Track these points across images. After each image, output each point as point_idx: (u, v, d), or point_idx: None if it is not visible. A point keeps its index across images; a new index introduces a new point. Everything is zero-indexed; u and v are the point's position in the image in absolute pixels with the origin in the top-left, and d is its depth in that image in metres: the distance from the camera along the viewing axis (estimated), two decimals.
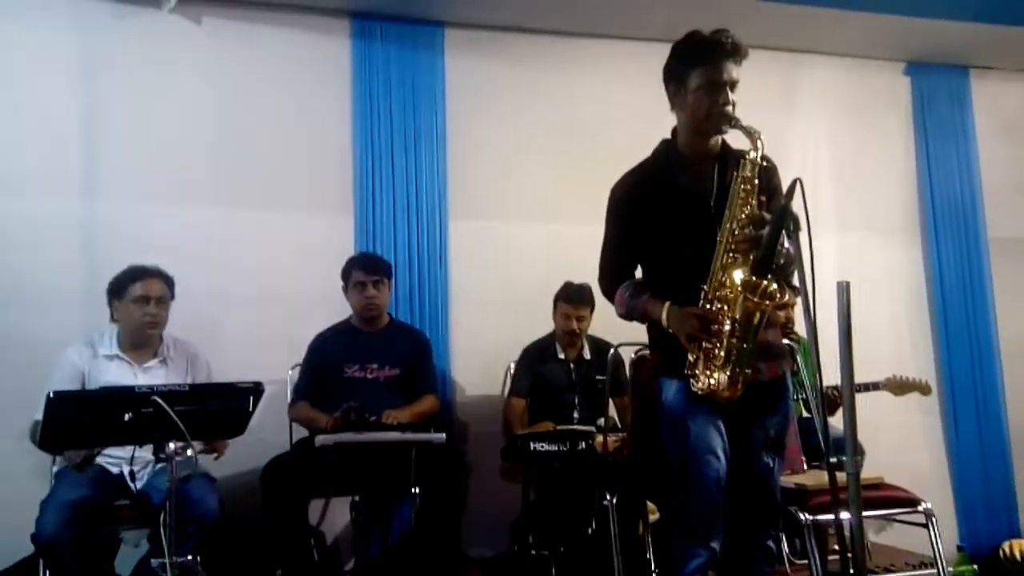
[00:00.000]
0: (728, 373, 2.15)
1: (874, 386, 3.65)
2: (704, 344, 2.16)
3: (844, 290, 1.83)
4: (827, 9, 4.19)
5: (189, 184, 3.77)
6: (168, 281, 3.14)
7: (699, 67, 2.23)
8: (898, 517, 3.13)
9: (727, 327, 2.14)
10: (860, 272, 4.29)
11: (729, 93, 2.23)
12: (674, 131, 2.37)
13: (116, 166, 3.68)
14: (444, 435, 2.99)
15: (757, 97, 4.18)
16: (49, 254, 3.52)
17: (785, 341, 3.43)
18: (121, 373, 3.02)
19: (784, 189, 2.10)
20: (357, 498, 3.11)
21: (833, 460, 1.87)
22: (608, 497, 3.09)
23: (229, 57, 3.88)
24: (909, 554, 3.60)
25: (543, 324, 3.85)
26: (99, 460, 2.91)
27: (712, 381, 2.16)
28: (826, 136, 4.67)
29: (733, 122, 2.21)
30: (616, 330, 2.86)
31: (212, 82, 3.85)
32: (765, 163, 2.22)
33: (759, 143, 2.18)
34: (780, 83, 4.59)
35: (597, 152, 4.03)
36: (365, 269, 3.51)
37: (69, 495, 2.70)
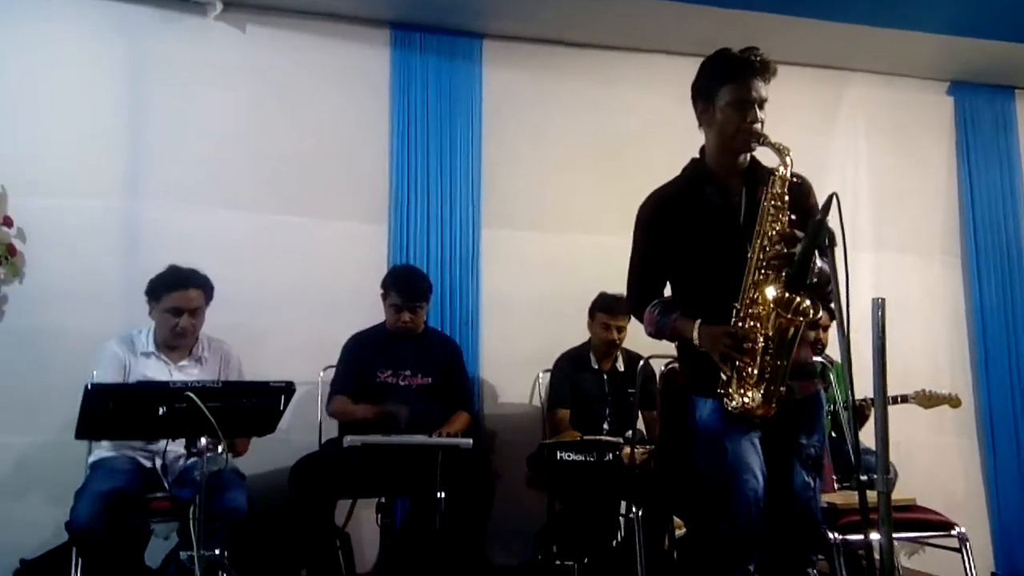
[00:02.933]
0: (762, 391, 2.11)
1: (903, 399, 3.60)
2: (737, 362, 2.14)
3: (880, 306, 1.81)
4: (870, 27, 4.16)
5: (229, 188, 3.85)
6: (206, 288, 3.14)
7: (728, 84, 2.22)
8: (930, 541, 3.07)
9: (760, 344, 2.11)
10: (897, 293, 4.28)
11: (758, 111, 2.21)
12: (702, 149, 2.37)
13: (159, 169, 3.77)
14: (471, 440, 2.99)
15: (797, 115, 4.27)
16: (93, 252, 3.62)
17: (818, 359, 3.43)
18: (158, 370, 3.08)
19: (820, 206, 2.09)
20: (383, 500, 3.13)
21: (863, 478, 1.84)
22: (634, 510, 3.07)
23: (272, 64, 3.95)
24: None
25: (574, 334, 3.85)
26: (132, 453, 2.97)
27: (747, 399, 2.12)
28: (866, 155, 4.63)
29: (762, 139, 2.20)
30: (649, 343, 2.84)
31: (254, 88, 3.93)
32: (797, 180, 2.21)
33: (788, 160, 2.16)
34: (820, 101, 4.58)
35: (632, 164, 4.04)
36: (403, 295, 3.46)
37: (103, 486, 2.76)
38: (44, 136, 3.62)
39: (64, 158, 3.63)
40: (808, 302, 2.08)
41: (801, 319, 2.07)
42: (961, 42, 4.31)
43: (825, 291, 2.17)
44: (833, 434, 3.59)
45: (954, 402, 3.66)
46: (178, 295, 3.06)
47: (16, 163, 3.54)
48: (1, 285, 3.51)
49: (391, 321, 3.51)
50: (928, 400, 3.63)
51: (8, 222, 3.51)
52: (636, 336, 3.67)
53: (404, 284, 3.50)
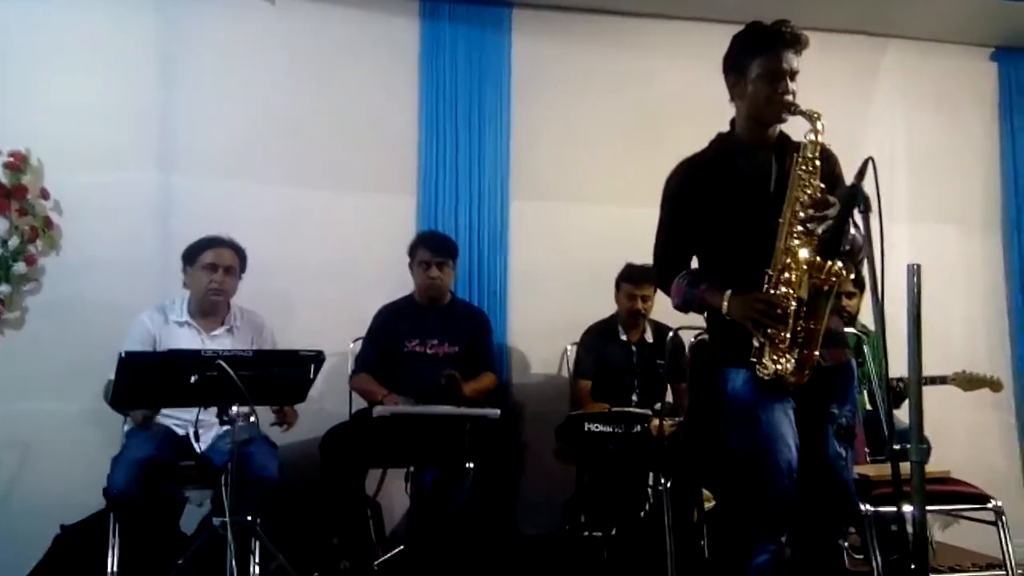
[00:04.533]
0: (796, 356, 2.10)
1: (941, 380, 3.51)
2: (770, 329, 2.12)
3: (915, 272, 1.77)
4: None
5: (260, 160, 3.87)
6: (240, 253, 3.23)
7: (759, 56, 2.22)
8: (965, 514, 3.02)
9: (792, 307, 2.10)
10: (936, 264, 4.17)
11: (789, 82, 2.21)
12: (732, 122, 2.36)
13: (192, 142, 3.80)
14: (498, 411, 3.00)
15: (834, 82, 4.17)
16: (126, 225, 3.67)
17: (851, 330, 3.38)
18: (190, 339, 3.12)
19: (847, 178, 2.07)
20: (412, 469, 3.16)
21: (896, 448, 1.81)
22: (663, 481, 3.06)
23: (301, 37, 3.95)
24: (976, 554, 3.47)
25: (602, 306, 3.83)
26: (165, 421, 3.02)
27: (779, 366, 2.11)
28: (904, 123, 4.52)
29: (793, 108, 2.20)
30: (677, 313, 2.82)
31: (284, 62, 3.94)
32: (826, 146, 2.19)
33: (820, 125, 2.14)
34: (858, 68, 4.48)
35: (663, 134, 3.99)
36: (431, 249, 3.53)
37: (138, 453, 2.81)
38: (79, 110, 3.66)
39: (99, 132, 3.67)
40: (840, 263, 2.05)
41: (834, 279, 2.05)
42: (1005, 6, 4.17)
43: (857, 258, 2.15)
44: (869, 407, 3.54)
45: (996, 385, 3.56)
46: (213, 252, 3.15)
47: (52, 137, 3.60)
48: (39, 257, 3.58)
49: (421, 280, 3.53)
50: (968, 382, 3.53)
51: (45, 195, 3.58)
52: (664, 307, 3.64)
53: (431, 239, 3.60)
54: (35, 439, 3.52)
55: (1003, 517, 2.85)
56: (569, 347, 3.92)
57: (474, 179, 4.04)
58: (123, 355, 2.37)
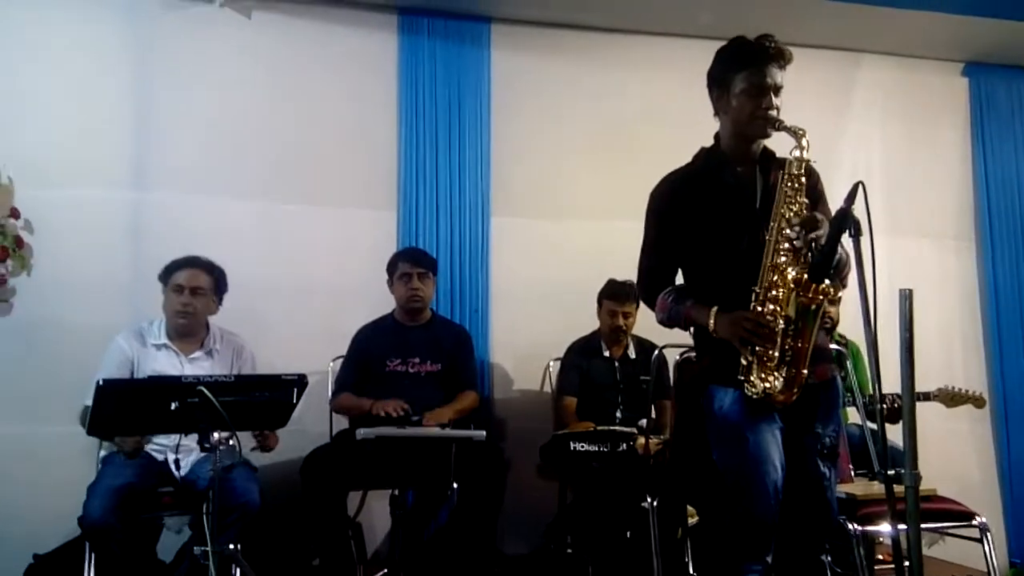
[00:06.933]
0: (784, 375, 2.09)
1: (924, 396, 3.54)
2: (758, 347, 2.11)
3: (907, 298, 1.78)
4: (883, 8, 4.09)
5: (236, 176, 3.81)
6: (214, 273, 3.16)
7: (743, 71, 2.21)
8: (950, 531, 3.04)
9: (780, 326, 2.08)
10: (911, 278, 4.14)
11: (773, 97, 2.20)
12: (716, 137, 2.35)
13: (165, 157, 3.73)
14: (484, 432, 2.97)
15: (809, 97, 4.20)
16: (99, 243, 3.59)
17: (833, 346, 3.39)
18: (168, 362, 3.05)
19: (831, 197, 2.05)
20: (396, 492, 3.11)
21: (891, 472, 1.81)
22: (648, 500, 3.05)
23: (278, 51, 3.91)
24: (960, 568, 3.50)
25: (584, 322, 3.81)
26: (145, 447, 2.95)
27: (767, 385, 2.09)
28: (880, 137, 4.58)
29: (777, 124, 2.18)
30: (661, 330, 2.81)
31: (261, 76, 3.88)
32: (810, 163, 2.18)
33: (805, 142, 2.14)
34: (834, 82, 4.52)
35: (641, 149, 4.00)
36: (411, 261, 3.52)
37: (115, 481, 2.74)
38: (50, 127, 3.59)
39: (70, 149, 3.59)
40: (827, 282, 2.05)
41: (822, 298, 2.04)
42: (976, 22, 4.24)
43: (843, 275, 2.15)
44: (852, 420, 3.55)
45: (979, 402, 3.61)
46: (182, 273, 3.10)
47: (23, 155, 3.50)
48: (9, 277, 3.48)
49: (402, 294, 3.50)
50: (951, 399, 3.57)
51: (15, 214, 3.48)
52: (646, 323, 3.64)
53: (410, 252, 3.60)
54: (6, 464, 3.40)
55: (988, 533, 2.88)
56: (552, 363, 3.91)
57: (455, 194, 4.01)
58: (100, 382, 2.31)
